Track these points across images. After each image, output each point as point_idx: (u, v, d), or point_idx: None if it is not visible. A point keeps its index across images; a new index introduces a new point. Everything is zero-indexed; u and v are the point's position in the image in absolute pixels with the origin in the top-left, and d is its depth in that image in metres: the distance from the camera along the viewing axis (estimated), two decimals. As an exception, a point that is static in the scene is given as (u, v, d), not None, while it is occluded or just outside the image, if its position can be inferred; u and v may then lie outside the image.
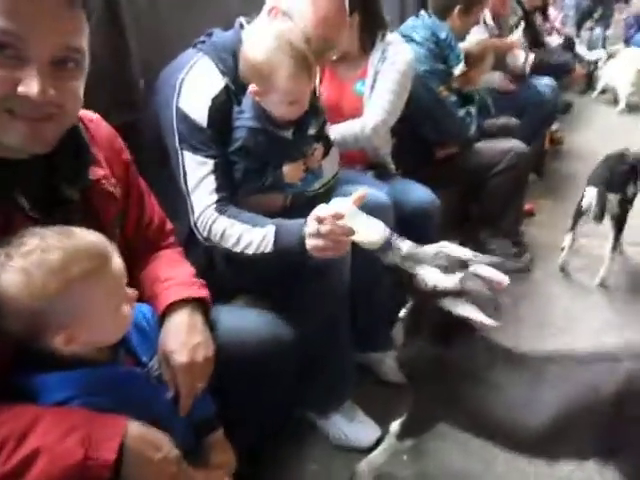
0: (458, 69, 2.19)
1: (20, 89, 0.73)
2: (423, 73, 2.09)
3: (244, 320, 1.11)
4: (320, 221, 1.13)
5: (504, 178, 2.23)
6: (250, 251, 1.25)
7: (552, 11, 4.24)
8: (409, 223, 1.70)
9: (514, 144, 2.26)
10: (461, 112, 2.21)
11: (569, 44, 4.11)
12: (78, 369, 0.78)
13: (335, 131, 1.73)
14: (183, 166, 1.29)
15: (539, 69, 3.15)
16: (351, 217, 1.13)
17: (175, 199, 1.31)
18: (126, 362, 0.87)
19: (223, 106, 1.29)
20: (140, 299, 0.99)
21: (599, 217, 2.16)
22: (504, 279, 1.08)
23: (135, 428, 0.77)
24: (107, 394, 0.79)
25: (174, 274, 1.05)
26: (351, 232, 1.12)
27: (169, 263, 1.09)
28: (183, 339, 0.93)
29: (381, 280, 1.61)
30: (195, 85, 1.28)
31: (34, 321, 0.74)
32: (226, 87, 1.30)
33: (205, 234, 1.29)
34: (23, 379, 0.77)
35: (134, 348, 0.88)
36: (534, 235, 2.74)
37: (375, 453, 1.37)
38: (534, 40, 3.39)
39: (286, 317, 1.40)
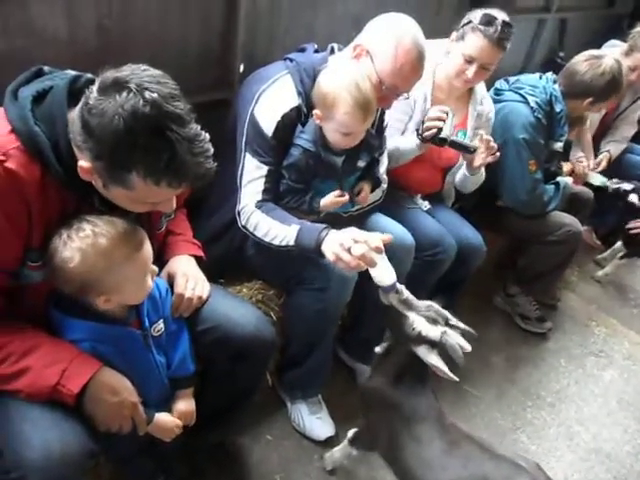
0: (558, 146, 2.16)
1: (160, 208, 1.05)
2: (522, 140, 2.04)
3: (237, 311, 1.31)
4: (355, 241, 1.28)
5: (550, 249, 2.23)
6: (275, 242, 1.45)
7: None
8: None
9: (572, 222, 2.22)
10: (542, 189, 2.15)
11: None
12: (95, 321, 1.05)
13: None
14: (243, 163, 1.49)
15: None
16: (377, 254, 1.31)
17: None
18: (133, 323, 1.12)
19: (290, 123, 1.46)
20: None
21: None
22: (467, 347, 1.24)
23: (104, 373, 1.01)
24: (108, 345, 1.06)
25: (185, 232, 1.38)
26: (373, 264, 1.29)
27: (181, 221, 1.40)
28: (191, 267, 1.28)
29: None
30: (272, 99, 1.45)
31: (83, 286, 1.00)
32: (298, 107, 1.46)
33: (243, 222, 1.50)
34: (55, 315, 1.05)
35: (142, 313, 1.13)
36: (574, 307, 2.71)
37: (335, 448, 1.59)
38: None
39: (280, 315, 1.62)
